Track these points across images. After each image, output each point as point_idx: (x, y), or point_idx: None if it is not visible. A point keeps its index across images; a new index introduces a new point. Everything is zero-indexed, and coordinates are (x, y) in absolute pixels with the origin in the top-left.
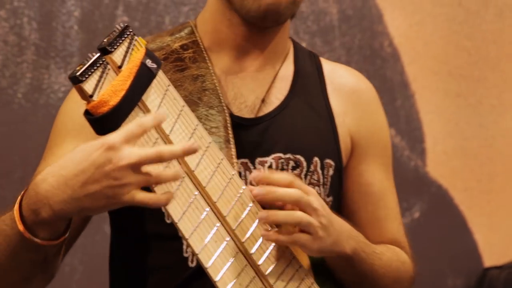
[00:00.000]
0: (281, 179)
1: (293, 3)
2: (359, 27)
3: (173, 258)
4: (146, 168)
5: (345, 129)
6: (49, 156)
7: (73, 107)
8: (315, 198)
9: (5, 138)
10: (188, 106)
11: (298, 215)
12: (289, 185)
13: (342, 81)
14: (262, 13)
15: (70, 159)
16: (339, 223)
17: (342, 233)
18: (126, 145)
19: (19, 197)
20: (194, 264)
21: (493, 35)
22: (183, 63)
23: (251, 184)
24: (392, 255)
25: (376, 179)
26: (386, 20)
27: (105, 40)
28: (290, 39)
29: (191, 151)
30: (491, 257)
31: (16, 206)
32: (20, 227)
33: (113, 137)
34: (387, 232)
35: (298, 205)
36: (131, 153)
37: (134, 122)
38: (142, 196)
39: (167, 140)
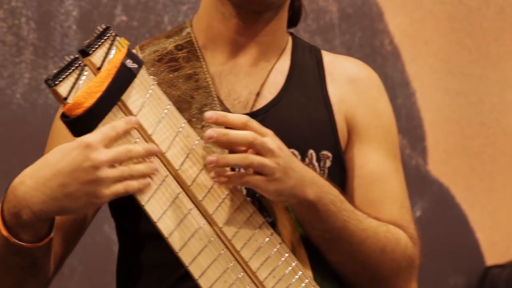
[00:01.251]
0: (236, 119)
1: None
2: (359, 26)
3: (170, 256)
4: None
5: (342, 117)
6: None
7: None
8: (271, 139)
9: (4, 138)
10: (181, 105)
11: (250, 157)
12: (244, 126)
13: (341, 71)
14: None
15: (47, 159)
16: (302, 168)
17: (305, 178)
18: (102, 145)
19: (0, 203)
20: None
21: (494, 33)
22: (177, 63)
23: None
24: (380, 225)
25: (369, 161)
26: (387, 18)
27: (85, 42)
28: (290, 33)
29: (152, 153)
30: (493, 256)
31: None
32: (4, 231)
33: (90, 136)
34: (384, 215)
35: (252, 147)
36: (106, 151)
37: (108, 125)
38: (120, 187)
39: (149, 139)
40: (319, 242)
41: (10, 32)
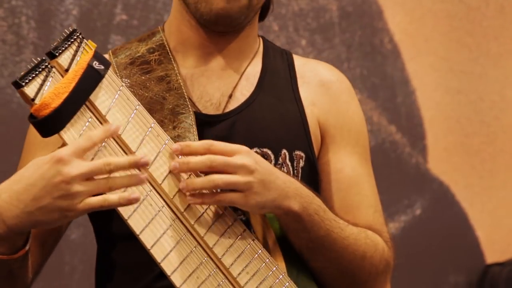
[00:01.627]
0: (199, 146)
1: (247, 8)
2: (359, 24)
3: (146, 256)
4: (97, 177)
5: (314, 120)
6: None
7: None
8: (242, 155)
9: (4, 137)
10: (153, 107)
11: (214, 178)
12: (206, 152)
13: (312, 74)
14: (213, 17)
15: (22, 174)
16: (285, 180)
17: (288, 189)
18: (75, 158)
19: None
20: None
21: (494, 31)
22: (149, 66)
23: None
24: (360, 232)
25: (346, 166)
26: (386, 16)
27: (52, 45)
28: (261, 37)
29: (139, 164)
30: (493, 254)
31: None
32: None
33: (62, 150)
34: (360, 219)
35: (216, 169)
36: (79, 164)
37: (83, 136)
38: (95, 201)
39: (119, 139)
40: (302, 250)
41: (10, 31)
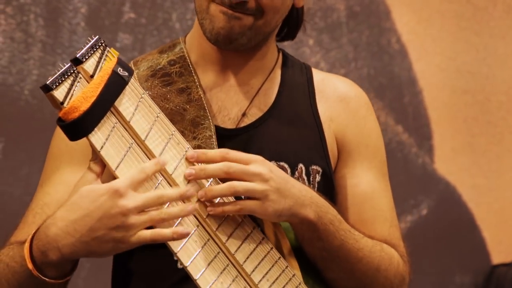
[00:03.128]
0: (215, 154)
1: (249, 29)
2: (366, 24)
3: (162, 264)
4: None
5: (331, 135)
6: (46, 183)
7: None
8: (257, 164)
9: (12, 134)
10: (173, 118)
11: (234, 184)
12: (222, 159)
13: (331, 90)
14: (214, 36)
15: (78, 203)
16: (300, 188)
17: (304, 198)
18: (130, 190)
19: (30, 237)
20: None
21: (501, 31)
22: (170, 78)
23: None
24: (375, 245)
25: (361, 181)
26: (394, 16)
27: (77, 52)
28: (281, 51)
29: (186, 197)
30: (499, 255)
31: (27, 245)
32: (30, 265)
33: (119, 182)
34: (375, 234)
35: (232, 176)
36: (136, 197)
37: (137, 169)
38: (148, 234)
39: (142, 145)
40: (317, 260)
41: (18, 29)
